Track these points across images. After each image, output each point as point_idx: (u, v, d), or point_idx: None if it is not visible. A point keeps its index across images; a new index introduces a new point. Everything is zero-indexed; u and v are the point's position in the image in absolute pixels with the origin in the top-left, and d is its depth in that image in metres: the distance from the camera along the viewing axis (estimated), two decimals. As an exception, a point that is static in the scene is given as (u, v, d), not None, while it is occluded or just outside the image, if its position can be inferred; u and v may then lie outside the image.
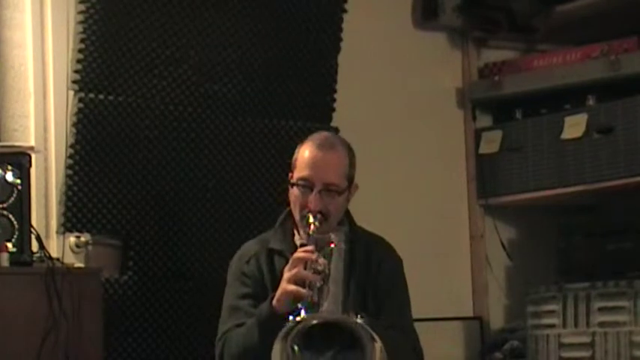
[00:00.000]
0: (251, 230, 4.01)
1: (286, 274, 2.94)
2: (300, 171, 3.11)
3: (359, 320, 2.71)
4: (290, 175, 3.17)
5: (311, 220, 3.07)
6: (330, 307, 2.77)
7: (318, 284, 2.87)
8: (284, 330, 2.72)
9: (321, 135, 3.20)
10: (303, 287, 2.87)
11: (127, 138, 3.86)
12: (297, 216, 3.14)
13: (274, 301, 2.95)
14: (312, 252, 2.95)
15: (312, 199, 3.08)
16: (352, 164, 3.19)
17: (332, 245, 3.00)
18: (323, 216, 3.09)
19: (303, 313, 2.76)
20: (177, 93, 3.98)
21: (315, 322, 2.75)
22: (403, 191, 4.57)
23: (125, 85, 3.87)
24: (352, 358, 2.76)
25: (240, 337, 3.04)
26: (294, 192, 3.13)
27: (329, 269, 2.92)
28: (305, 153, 3.13)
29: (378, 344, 2.70)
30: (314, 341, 2.79)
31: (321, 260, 2.94)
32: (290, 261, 2.96)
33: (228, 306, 3.16)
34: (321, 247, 2.99)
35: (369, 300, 3.13)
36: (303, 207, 3.09)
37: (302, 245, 3.06)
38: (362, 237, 3.21)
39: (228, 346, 3.06)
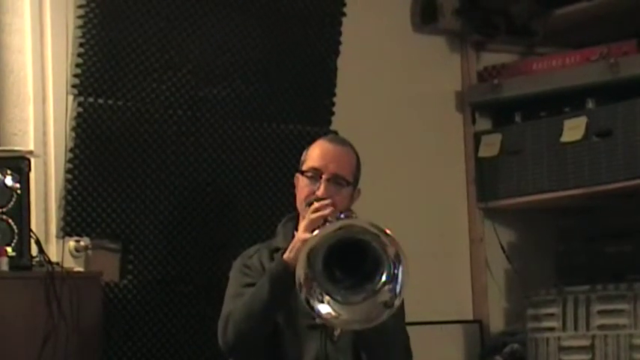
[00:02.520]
0: (250, 234, 4.02)
1: (302, 225, 3.00)
2: (310, 162, 3.19)
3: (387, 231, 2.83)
4: (297, 175, 3.22)
5: None
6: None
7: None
8: (308, 246, 2.80)
9: (331, 135, 3.33)
10: None
11: (126, 142, 3.86)
12: (301, 206, 3.16)
13: (286, 253, 2.98)
14: (327, 206, 3.01)
15: (320, 186, 3.13)
16: (358, 167, 3.27)
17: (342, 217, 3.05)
18: None
19: None
20: (176, 97, 3.98)
21: (338, 227, 2.82)
22: (402, 194, 4.57)
23: (124, 89, 3.87)
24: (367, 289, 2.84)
25: (247, 300, 3.04)
26: (301, 181, 3.19)
27: None
28: (316, 147, 3.22)
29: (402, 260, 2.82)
30: (334, 270, 2.87)
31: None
32: (305, 218, 3.01)
33: (231, 294, 3.17)
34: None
35: None
36: (310, 195, 3.14)
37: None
38: None
39: (233, 315, 3.05)
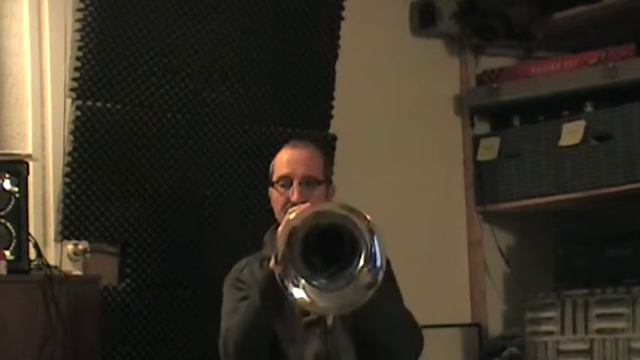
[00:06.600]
0: (249, 237, 4.01)
1: (280, 228, 2.97)
2: (278, 172, 3.21)
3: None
4: (270, 190, 3.24)
5: None
6: None
7: None
8: (291, 224, 2.80)
9: (292, 141, 3.32)
10: None
11: (124, 145, 3.86)
12: (280, 216, 3.16)
13: (271, 262, 2.96)
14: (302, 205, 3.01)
15: (294, 191, 3.15)
16: (327, 165, 3.29)
17: None
18: None
19: None
20: (174, 100, 3.98)
21: (311, 214, 2.82)
22: (401, 198, 4.57)
23: (123, 93, 3.87)
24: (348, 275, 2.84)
25: (242, 316, 3.05)
26: (275, 193, 3.21)
27: None
28: (281, 156, 3.24)
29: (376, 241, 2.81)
30: (313, 259, 2.85)
31: None
32: (283, 221, 2.98)
33: (227, 310, 3.17)
34: None
35: None
36: (285, 203, 3.16)
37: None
38: None
39: (232, 332, 3.06)
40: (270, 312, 2.99)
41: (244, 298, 3.12)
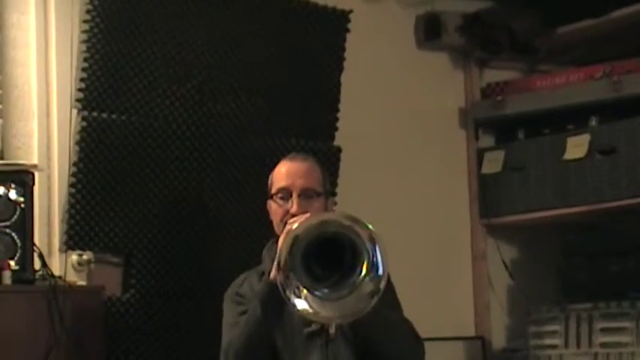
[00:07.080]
0: (253, 249, 4.01)
1: (280, 239, 2.99)
2: (277, 184, 3.23)
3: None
4: (269, 202, 3.25)
5: None
6: None
7: None
8: (295, 232, 2.81)
9: (290, 154, 3.35)
10: None
11: (129, 156, 3.87)
12: (279, 228, 3.17)
13: (272, 273, 2.97)
14: (302, 216, 3.01)
15: (293, 203, 3.17)
16: (326, 177, 3.30)
17: None
18: None
19: None
20: (180, 112, 3.99)
21: (314, 223, 2.84)
22: (405, 211, 4.57)
23: (128, 104, 3.88)
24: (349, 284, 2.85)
25: (243, 327, 3.06)
26: (274, 205, 3.22)
27: None
28: (279, 169, 3.27)
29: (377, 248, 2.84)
30: (314, 268, 2.88)
31: None
32: (283, 232, 3.00)
33: (228, 325, 3.19)
34: None
35: None
36: (284, 215, 3.17)
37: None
38: None
39: (234, 344, 3.07)
40: (270, 321, 3.00)
41: (244, 312, 3.12)
